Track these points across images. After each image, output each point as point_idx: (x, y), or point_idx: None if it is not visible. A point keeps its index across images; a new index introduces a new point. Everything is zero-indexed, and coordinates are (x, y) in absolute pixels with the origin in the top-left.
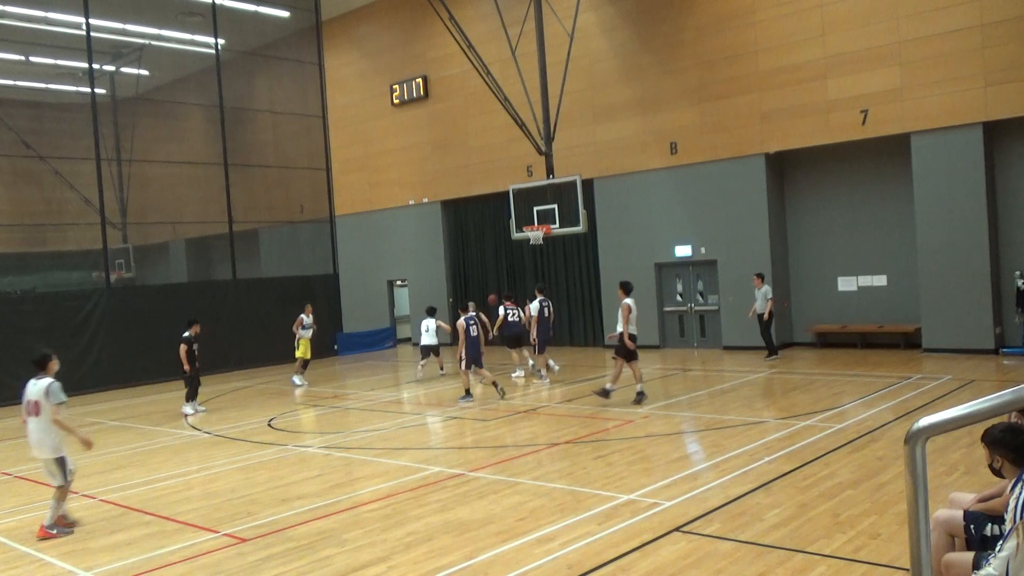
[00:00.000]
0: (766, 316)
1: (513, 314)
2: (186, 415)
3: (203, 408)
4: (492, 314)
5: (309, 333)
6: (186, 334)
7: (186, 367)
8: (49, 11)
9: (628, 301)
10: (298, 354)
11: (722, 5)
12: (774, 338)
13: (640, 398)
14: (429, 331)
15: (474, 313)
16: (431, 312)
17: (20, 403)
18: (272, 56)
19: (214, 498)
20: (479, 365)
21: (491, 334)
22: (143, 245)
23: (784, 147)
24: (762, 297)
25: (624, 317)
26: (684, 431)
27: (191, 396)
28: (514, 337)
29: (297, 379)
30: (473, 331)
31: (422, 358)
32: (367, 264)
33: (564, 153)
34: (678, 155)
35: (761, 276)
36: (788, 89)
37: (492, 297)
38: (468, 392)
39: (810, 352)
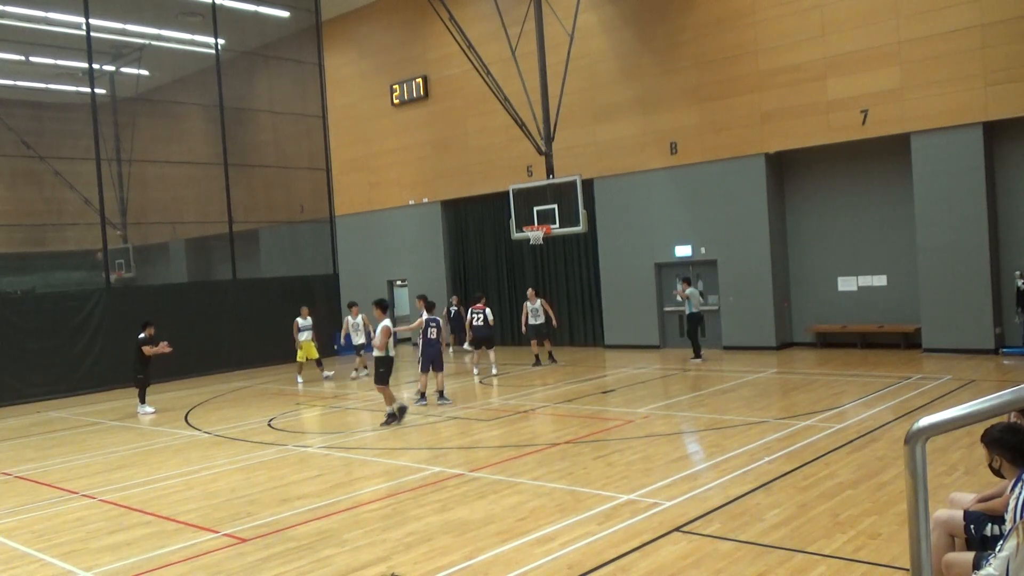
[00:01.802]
0: (688, 315)
1: (479, 318)
2: (147, 414)
3: (151, 409)
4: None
5: (305, 335)
6: (141, 335)
7: (163, 349)
8: (49, 11)
9: (387, 323)
10: (298, 358)
11: (722, 5)
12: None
13: (399, 414)
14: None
15: (438, 317)
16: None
17: (20, 402)
18: (272, 56)
19: (214, 498)
20: (437, 369)
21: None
22: (143, 245)
23: (784, 147)
24: (695, 297)
25: (384, 339)
26: (684, 431)
27: (144, 397)
28: (480, 339)
29: (300, 379)
30: (431, 333)
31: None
32: (367, 264)
33: (564, 153)
34: (678, 155)
35: (688, 280)
36: (788, 89)
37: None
38: (423, 395)
39: (810, 352)
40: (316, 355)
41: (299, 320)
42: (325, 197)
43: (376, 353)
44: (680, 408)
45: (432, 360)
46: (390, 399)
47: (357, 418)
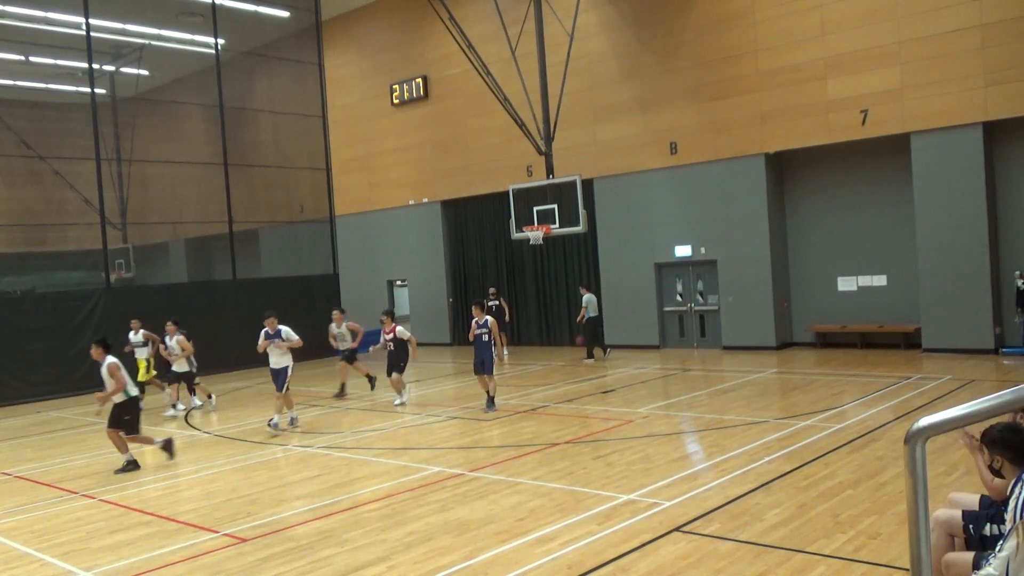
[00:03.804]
0: (581, 319)
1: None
2: (198, 407)
3: (207, 401)
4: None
5: (144, 352)
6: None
7: (192, 358)
8: (49, 11)
9: (113, 360)
10: (139, 377)
11: (722, 5)
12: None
13: (131, 466)
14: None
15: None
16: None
17: (20, 402)
18: (272, 56)
19: (214, 498)
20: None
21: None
22: (143, 245)
23: (784, 147)
24: (592, 303)
25: (120, 381)
26: (684, 431)
27: (193, 391)
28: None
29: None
30: (484, 337)
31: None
32: (367, 264)
33: (564, 153)
34: (678, 155)
35: (587, 286)
36: (788, 89)
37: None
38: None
39: (810, 352)
40: (147, 376)
41: (130, 335)
42: (325, 197)
43: (116, 397)
44: (680, 408)
45: (484, 363)
46: (125, 446)
47: (357, 418)
